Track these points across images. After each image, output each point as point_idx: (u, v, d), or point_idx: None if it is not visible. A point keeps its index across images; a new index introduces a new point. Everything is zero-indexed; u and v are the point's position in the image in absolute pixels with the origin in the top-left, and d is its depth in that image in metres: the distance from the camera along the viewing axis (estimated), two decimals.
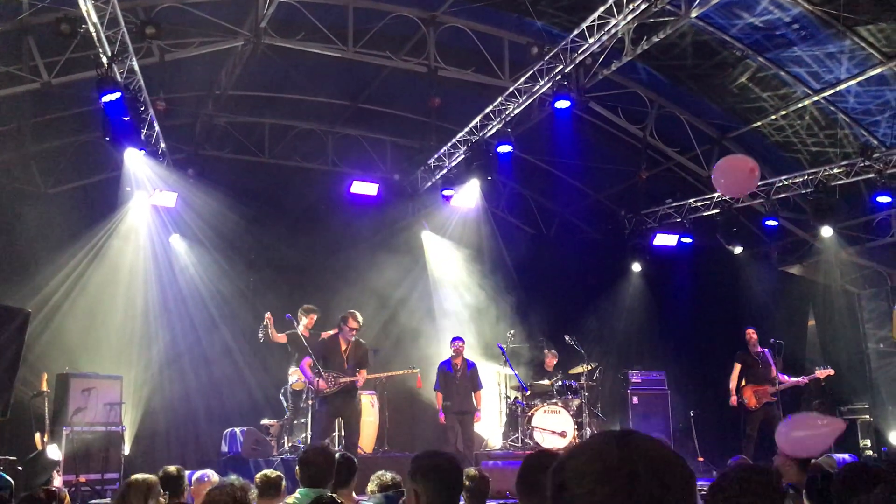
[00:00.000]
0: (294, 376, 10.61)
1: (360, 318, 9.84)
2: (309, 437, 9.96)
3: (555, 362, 12.27)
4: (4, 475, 5.97)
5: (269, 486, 5.22)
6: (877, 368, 15.20)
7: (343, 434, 9.90)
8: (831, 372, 11.61)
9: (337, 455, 5.74)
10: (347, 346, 9.74)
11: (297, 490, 4.70)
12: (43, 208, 11.48)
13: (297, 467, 4.86)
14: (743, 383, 11.39)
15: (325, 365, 9.60)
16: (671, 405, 13.25)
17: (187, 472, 6.56)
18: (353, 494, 5.54)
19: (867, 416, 13.48)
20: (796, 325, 15.33)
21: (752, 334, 11.50)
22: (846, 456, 9.16)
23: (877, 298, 15.47)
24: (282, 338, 10.77)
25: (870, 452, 12.85)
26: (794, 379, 11.49)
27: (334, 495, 4.05)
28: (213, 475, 6.41)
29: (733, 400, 11.37)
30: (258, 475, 5.43)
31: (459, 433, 10.98)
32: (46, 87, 10.27)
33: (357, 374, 9.72)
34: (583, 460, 1.33)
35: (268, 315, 10.71)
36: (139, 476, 4.77)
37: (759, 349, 11.47)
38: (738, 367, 11.44)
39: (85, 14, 8.24)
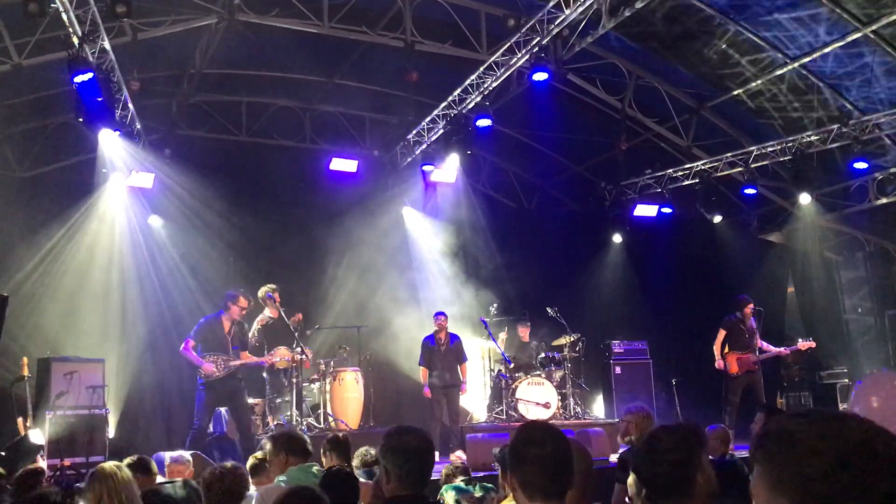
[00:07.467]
0: (276, 356, 10.49)
1: (250, 300, 9.77)
2: (200, 420, 9.44)
3: (528, 331, 12.34)
4: None
5: (258, 468, 5.27)
6: (855, 333, 15.40)
7: (236, 419, 9.73)
8: (813, 344, 11.73)
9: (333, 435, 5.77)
10: (231, 328, 9.60)
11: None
12: (17, 192, 11.34)
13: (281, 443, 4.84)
14: (727, 350, 11.50)
15: (207, 347, 9.44)
16: (653, 374, 13.38)
17: (165, 454, 6.59)
18: None
19: (846, 381, 13.67)
20: (776, 291, 15.48)
21: (750, 308, 11.51)
22: None
23: (855, 264, 15.63)
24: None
25: None
26: (776, 349, 11.63)
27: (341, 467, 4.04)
28: (186, 455, 6.42)
29: (719, 363, 11.46)
30: (250, 458, 5.48)
31: (445, 407, 11.04)
32: (17, 68, 10.08)
33: (241, 357, 9.61)
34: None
35: None
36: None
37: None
38: (722, 333, 11.54)
39: None
